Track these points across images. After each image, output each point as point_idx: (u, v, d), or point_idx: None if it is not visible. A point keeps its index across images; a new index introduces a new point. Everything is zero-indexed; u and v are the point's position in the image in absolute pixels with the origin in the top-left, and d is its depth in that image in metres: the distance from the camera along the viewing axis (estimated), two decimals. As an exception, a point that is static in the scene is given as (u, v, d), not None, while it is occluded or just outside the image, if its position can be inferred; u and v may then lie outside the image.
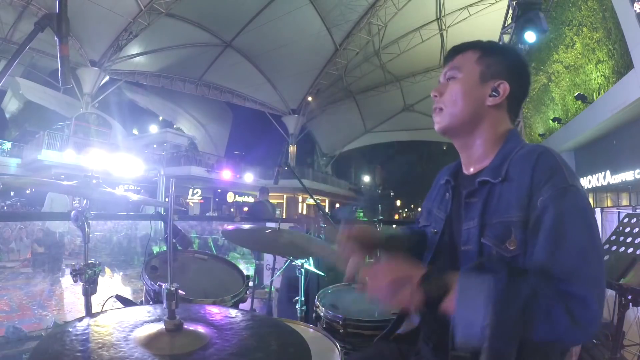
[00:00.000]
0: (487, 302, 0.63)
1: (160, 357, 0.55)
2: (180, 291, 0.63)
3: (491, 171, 0.83)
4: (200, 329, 0.64)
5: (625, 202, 8.70)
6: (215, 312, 0.74)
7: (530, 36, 5.07)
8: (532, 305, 0.63)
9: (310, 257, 2.04)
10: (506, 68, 0.88)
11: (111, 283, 5.96)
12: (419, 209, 1.14)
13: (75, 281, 1.20)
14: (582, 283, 0.65)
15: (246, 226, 1.98)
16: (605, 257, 2.20)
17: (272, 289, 3.00)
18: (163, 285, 0.63)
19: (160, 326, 0.62)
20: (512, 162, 0.80)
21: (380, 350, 1.05)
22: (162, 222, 1.76)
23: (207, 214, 17.45)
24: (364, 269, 0.78)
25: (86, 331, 0.60)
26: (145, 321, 0.65)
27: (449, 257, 0.89)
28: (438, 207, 0.98)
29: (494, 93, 0.87)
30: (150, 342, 0.58)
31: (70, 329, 0.60)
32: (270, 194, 6.08)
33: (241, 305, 1.49)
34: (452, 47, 0.95)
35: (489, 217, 0.79)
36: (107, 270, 6.40)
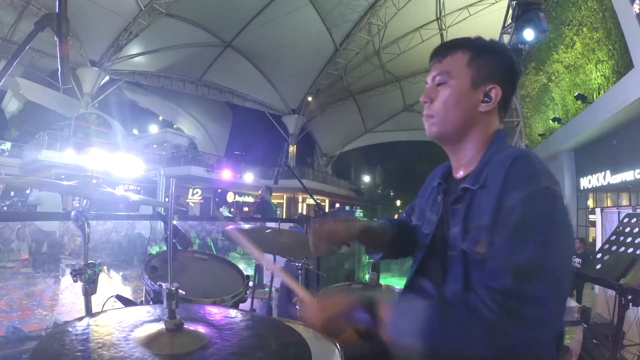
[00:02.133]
0: (418, 329, 0.65)
1: (161, 357, 0.55)
2: (180, 291, 0.63)
3: (472, 178, 0.82)
4: (200, 328, 0.64)
5: (625, 202, 8.69)
6: (215, 312, 0.74)
7: (529, 36, 5.07)
8: (470, 321, 0.63)
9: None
10: (497, 71, 0.85)
11: (111, 283, 5.96)
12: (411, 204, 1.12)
13: (75, 281, 1.20)
14: (538, 283, 0.63)
15: (246, 226, 1.98)
16: (605, 257, 2.20)
17: (272, 289, 3.00)
18: (163, 285, 0.63)
19: (160, 326, 0.62)
20: (490, 167, 0.79)
21: (381, 349, 1.04)
22: (162, 222, 1.76)
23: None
24: (302, 306, 0.79)
25: (86, 331, 0.60)
26: (145, 321, 0.65)
27: (439, 260, 0.88)
28: (430, 210, 0.97)
29: (486, 99, 0.84)
30: (150, 342, 0.58)
31: (70, 329, 0.59)
32: (271, 194, 6.07)
33: (241, 305, 1.49)
34: (440, 45, 0.91)
35: (470, 223, 0.78)
36: (105, 269, 6.41)
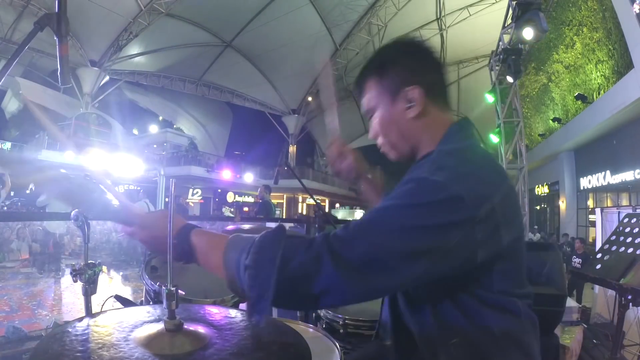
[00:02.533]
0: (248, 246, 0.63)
1: (161, 357, 0.55)
2: (180, 291, 0.63)
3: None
4: (200, 329, 0.64)
5: (625, 202, 8.69)
6: (215, 312, 0.74)
7: (529, 36, 5.07)
8: (292, 247, 0.61)
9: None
10: (405, 72, 0.80)
11: (111, 283, 5.96)
12: None
13: (75, 281, 1.20)
14: (352, 238, 0.61)
15: (246, 226, 1.98)
16: (605, 257, 2.20)
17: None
18: (163, 286, 0.63)
19: (160, 326, 0.62)
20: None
21: (382, 349, 1.04)
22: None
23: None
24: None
25: (86, 331, 0.60)
26: (145, 321, 0.65)
27: None
28: None
29: (409, 104, 0.79)
30: (150, 342, 0.58)
31: (70, 329, 0.60)
32: (270, 194, 6.04)
33: (241, 305, 1.49)
34: (355, 82, 0.90)
35: None
36: (105, 269, 6.41)
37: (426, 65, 0.82)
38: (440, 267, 0.64)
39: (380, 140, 0.89)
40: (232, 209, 17.15)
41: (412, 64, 0.82)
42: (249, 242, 0.64)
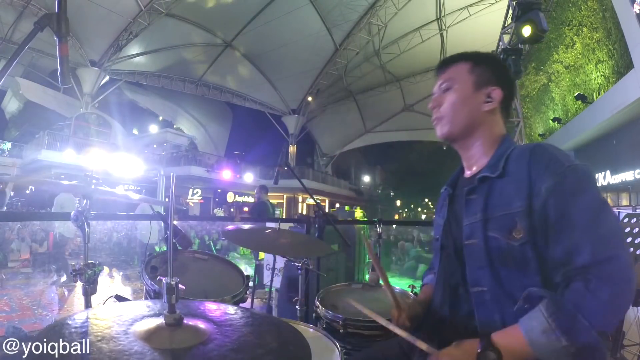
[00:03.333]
0: (556, 333, 0.68)
1: (160, 352, 0.55)
2: (180, 285, 0.63)
3: (489, 168, 0.89)
4: (200, 324, 0.64)
5: (625, 202, 8.69)
6: (215, 308, 0.75)
7: (530, 36, 5.07)
8: (580, 302, 0.68)
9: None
10: (495, 75, 0.95)
11: (111, 283, 5.96)
12: (419, 209, 1.17)
13: (75, 281, 1.20)
14: (597, 248, 0.70)
15: (246, 226, 1.98)
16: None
17: (272, 289, 3.00)
18: (163, 279, 0.63)
19: (160, 320, 0.62)
20: (509, 159, 0.86)
21: (382, 349, 1.05)
22: (162, 222, 1.76)
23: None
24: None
25: (85, 324, 0.60)
26: (145, 315, 0.65)
27: (453, 256, 0.93)
28: (439, 215, 1.04)
29: (488, 99, 0.93)
30: (150, 337, 0.58)
31: (70, 322, 0.59)
32: (270, 194, 5.98)
33: (241, 305, 1.49)
34: (443, 59, 1.01)
35: (492, 211, 0.84)
36: (107, 269, 6.40)
37: (510, 82, 0.97)
38: None
39: (440, 111, 0.97)
40: (232, 209, 17.14)
41: (503, 73, 0.97)
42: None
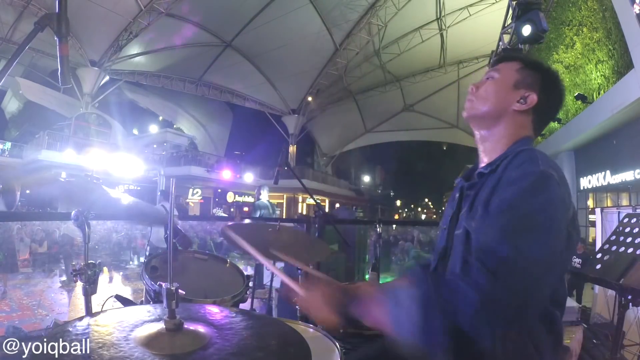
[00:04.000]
0: (414, 312, 0.69)
1: (161, 357, 0.55)
2: (180, 291, 0.63)
3: (489, 165, 0.91)
4: (201, 328, 0.64)
5: (625, 202, 8.69)
6: (215, 311, 0.74)
7: (529, 36, 5.06)
8: (442, 291, 0.69)
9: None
10: (539, 83, 0.96)
11: (111, 283, 5.96)
12: (419, 209, 1.16)
13: (75, 281, 1.20)
14: (495, 255, 0.70)
15: (247, 220, 1.97)
16: (605, 257, 2.20)
17: (272, 289, 3.00)
18: (163, 284, 0.63)
19: (160, 326, 0.62)
20: (506, 159, 0.87)
21: (382, 349, 1.05)
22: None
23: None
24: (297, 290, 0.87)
25: (86, 331, 0.60)
26: (145, 321, 0.65)
27: (449, 245, 0.97)
28: (450, 206, 1.05)
29: (521, 100, 0.94)
30: (150, 342, 0.58)
31: (71, 329, 0.59)
32: (270, 194, 5.99)
33: (241, 305, 1.49)
34: (500, 55, 1.05)
35: (476, 204, 0.87)
36: (106, 270, 6.40)
37: (552, 96, 0.98)
38: None
39: (475, 94, 1.00)
40: (222, 208, 17.13)
41: (549, 85, 0.97)
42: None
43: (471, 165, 1.08)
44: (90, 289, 1.22)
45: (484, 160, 0.98)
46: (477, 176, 0.93)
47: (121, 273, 6.80)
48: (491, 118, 0.96)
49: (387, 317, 0.73)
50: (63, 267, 5.96)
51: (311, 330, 1.37)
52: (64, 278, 5.42)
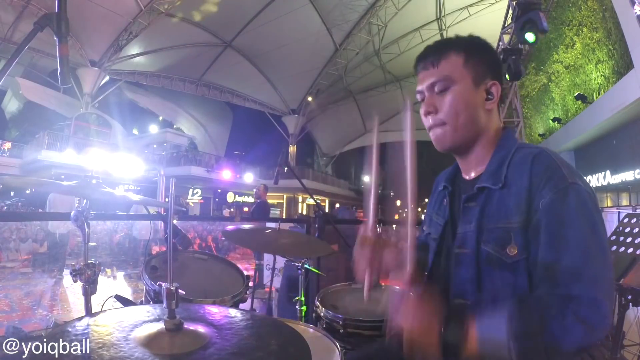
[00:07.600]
0: (508, 340, 0.63)
1: (161, 357, 0.55)
2: (180, 291, 0.63)
3: (490, 177, 0.81)
4: (200, 328, 0.64)
5: (625, 202, 8.69)
6: (215, 311, 0.74)
7: (529, 36, 5.07)
8: (548, 325, 0.64)
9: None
10: (491, 66, 0.84)
11: (111, 283, 5.96)
12: (422, 216, 1.11)
13: (75, 281, 1.20)
14: (588, 284, 0.65)
15: (246, 226, 1.98)
16: (606, 257, 2.19)
17: (272, 289, 3.00)
18: (163, 284, 0.63)
19: (160, 326, 0.62)
20: (510, 166, 0.79)
21: (381, 349, 1.04)
22: (162, 222, 1.76)
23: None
24: (393, 299, 0.77)
25: (86, 331, 0.60)
26: (145, 321, 0.65)
27: (446, 261, 0.88)
28: (437, 213, 0.97)
29: (489, 96, 0.83)
30: (150, 342, 0.58)
31: (70, 329, 0.59)
32: (270, 194, 5.99)
33: (241, 305, 1.49)
34: (430, 49, 0.86)
35: (487, 222, 0.78)
36: (109, 271, 6.40)
37: (500, 68, 0.86)
38: None
39: (440, 117, 0.84)
40: (232, 209, 17.13)
41: (494, 60, 0.85)
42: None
43: (449, 168, 0.99)
44: (90, 289, 1.22)
45: (472, 172, 0.88)
46: (477, 189, 0.82)
47: (121, 273, 6.80)
48: (473, 136, 0.85)
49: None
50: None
51: (311, 330, 1.37)
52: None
